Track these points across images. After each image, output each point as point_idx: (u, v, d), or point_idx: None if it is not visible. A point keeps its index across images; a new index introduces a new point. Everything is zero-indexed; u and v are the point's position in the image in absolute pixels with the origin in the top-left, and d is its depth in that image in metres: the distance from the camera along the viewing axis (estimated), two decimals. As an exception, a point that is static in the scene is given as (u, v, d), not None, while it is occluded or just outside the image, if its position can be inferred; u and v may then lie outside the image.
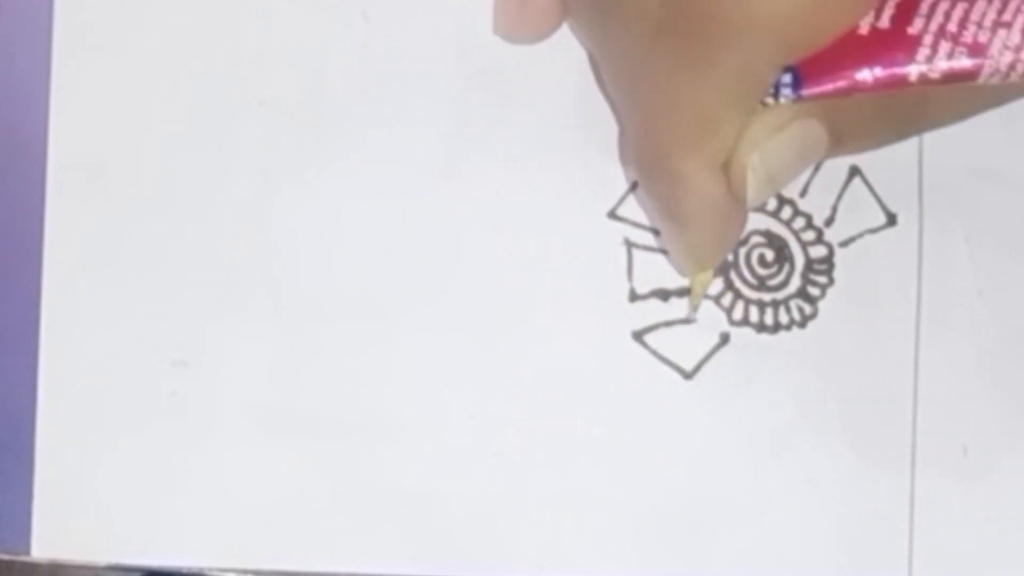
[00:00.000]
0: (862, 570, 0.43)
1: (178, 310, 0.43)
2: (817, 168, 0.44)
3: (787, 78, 0.37)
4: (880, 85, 0.37)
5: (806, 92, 0.37)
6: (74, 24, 0.43)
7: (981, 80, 0.36)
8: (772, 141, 0.38)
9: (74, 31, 0.43)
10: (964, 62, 0.36)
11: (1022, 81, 0.37)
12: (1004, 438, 0.43)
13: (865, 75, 0.37)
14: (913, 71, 0.36)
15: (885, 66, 0.37)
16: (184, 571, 0.43)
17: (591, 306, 0.43)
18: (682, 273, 0.43)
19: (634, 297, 0.44)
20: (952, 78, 0.36)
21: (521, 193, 0.43)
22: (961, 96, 0.38)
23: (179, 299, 0.43)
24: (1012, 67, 0.36)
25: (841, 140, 0.39)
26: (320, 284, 0.43)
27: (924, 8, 0.36)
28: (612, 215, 0.44)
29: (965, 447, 0.43)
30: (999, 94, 0.38)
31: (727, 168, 0.38)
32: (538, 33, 0.42)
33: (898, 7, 0.37)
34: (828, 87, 0.37)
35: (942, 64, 0.36)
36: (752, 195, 0.38)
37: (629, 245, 0.43)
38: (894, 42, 0.37)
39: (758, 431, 0.43)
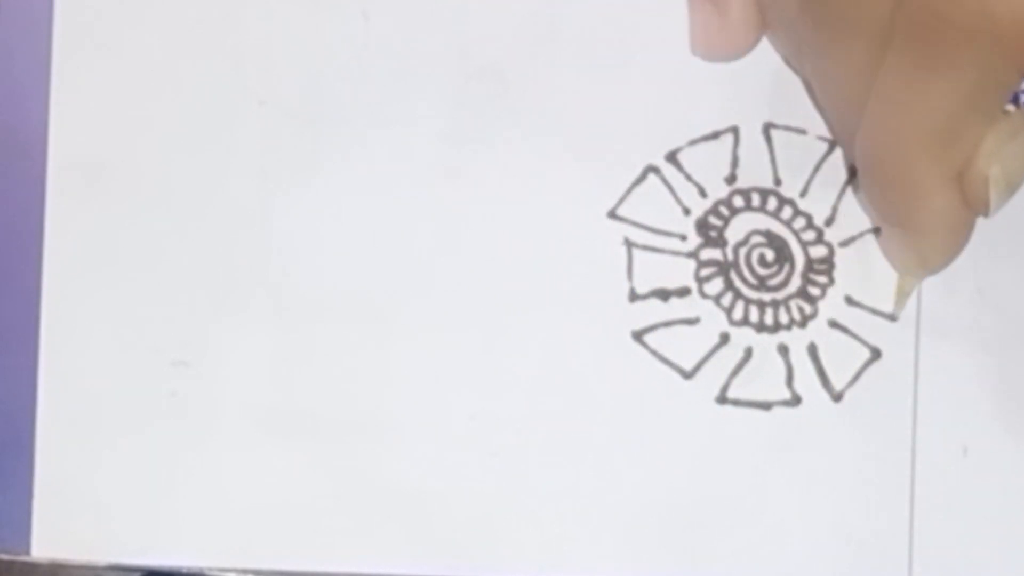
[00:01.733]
0: (862, 570, 0.43)
1: (178, 310, 0.43)
2: (817, 168, 0.44)
3: None
4: None
5: None
6: (74, 24, 0.43)
7: None
8: (1010, 148, 0.37)
9: (74, 31, 0.43)
10: None
11: None
12: (1004, 438, 0.43)
13: None
14: None
15: None
16: (184, 571, 0.43)
17: (591, 306, 0.43)
18: (902, 271, 0.43)
19: (634, 297, 0.43)
20: None
21: (521, 193, 0.43)
22: None
23: (179, 299, 0.43)
24: None
25: None
26: (320, 284, 0.43)
27: None
28: (612, 215, 0.43)
29: (965, 447, 0.43)
30: None
31: (963, 177, 0.37)
32: (739, 50, 0.42)
33: None
34: None
35: None
36: (993, 205, 0.38)
37: (629, 245, 0.43)
38: None
39: (758, 431, 0.43)
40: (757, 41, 0.42)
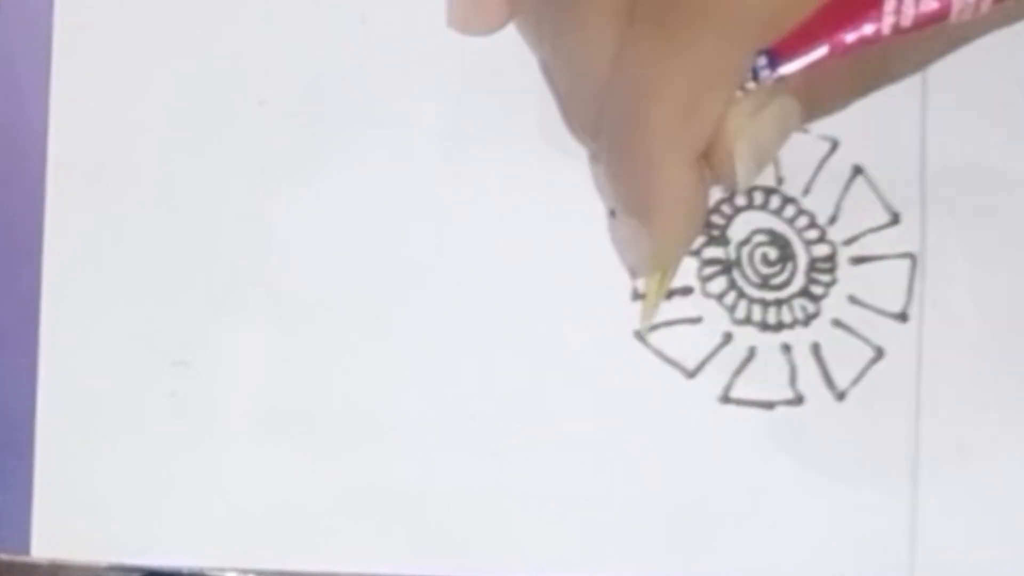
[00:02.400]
0: (863, 569, 0.43)
1: (178, 310, 0.43)
2: (820, 167, 0.44)
3: (763, 60, 0.37)
4: (855, 46, 0.37)
5: (784, 70, 0.37)
6: (74, 24, 0.43)
7: (953, 18, 0.36)
8: (755, 124, 0.37)
9: (74, 31, 0.43)
10: (933, 4, 0.36)
11: (991, 13, 0.36)
12: (1004, 438, 0.43)
13: (839, 40, 0.36)
14: (885, 24, 0.36)
15: (857, 26, 0.36)
16: (184, 571, 0.43)
17: (593, 305, 0.43)
18: (636, 273, 0.43)
19: (636, 296, 0.43)
20: (924, 22, 0.36)
21: (521, 192, 0.43)
22: (920, 43, 0.38)
23: (179, 299, 0.43)
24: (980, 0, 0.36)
25: (814, 108, 0.39)
26: (320, 284, 0.43)
27: None
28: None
29: (965, 447, 0.43)
30: (957, 37, 0.38)
31: (709, 157, 0.38)
32: (491, 27, 0.42)
33: None
34: (805, 60, 0.37)
35: (911, 11, 0.36)
36: (741, 179, 0.38)
37: (630, 244, 0.43)
38: (860, 2, 0.36)
39: (761, 430, 0.43)
40: (508, 19, 0.42)
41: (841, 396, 0.43)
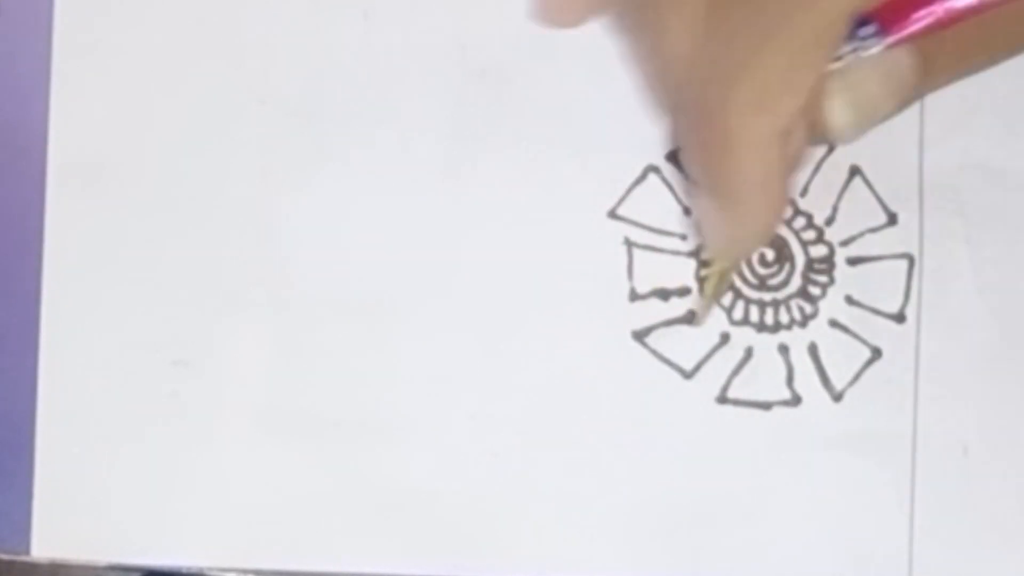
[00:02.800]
0: (862, 570, 0.43)
1: (178, 310, 0.43)
2: (817, 168, 0.44)
3: (868, 29, 0.34)
4: (973, 10, 0.33)
5: (893, 39, 0.34)
6: (74, 24, 0.43)
7: None
8: (855, 70, 0.35)
9: (74, 31, 0.43)
10: None
11: None
12: (1004, 438, 0.43)
13: (954, 3, 0.34)
14: None
15: None
16: (184, 571, 0.43)
17: (591, 306, 0.43)
18: (714, 250, 0.41)
19: (634, 297, 0.44)
20: None
21: (521, 192, 0.43)
22: None
23: (179, 299, 0.43)
24: None
25: (934, 68, 0.36)
26: (320, 284, 0.43)
27: None
28: (612, 215, 0.44)
29: (965, 447, 0.43)
30: None
31: (808, 112, 0.36)
32: (576, 21, 0.41)
33: None
34: (918, 26, 0.34)
35: None
36: (839, 121, 0.36)
37: (629, 245, 0.43)
38: None
39: (758, 431, 0.43)
40: (594, 14, 0.41)
41: (838, 397, 0.43)
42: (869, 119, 0.36)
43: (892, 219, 0.44)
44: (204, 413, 0.43)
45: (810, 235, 0.44)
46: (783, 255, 0.44)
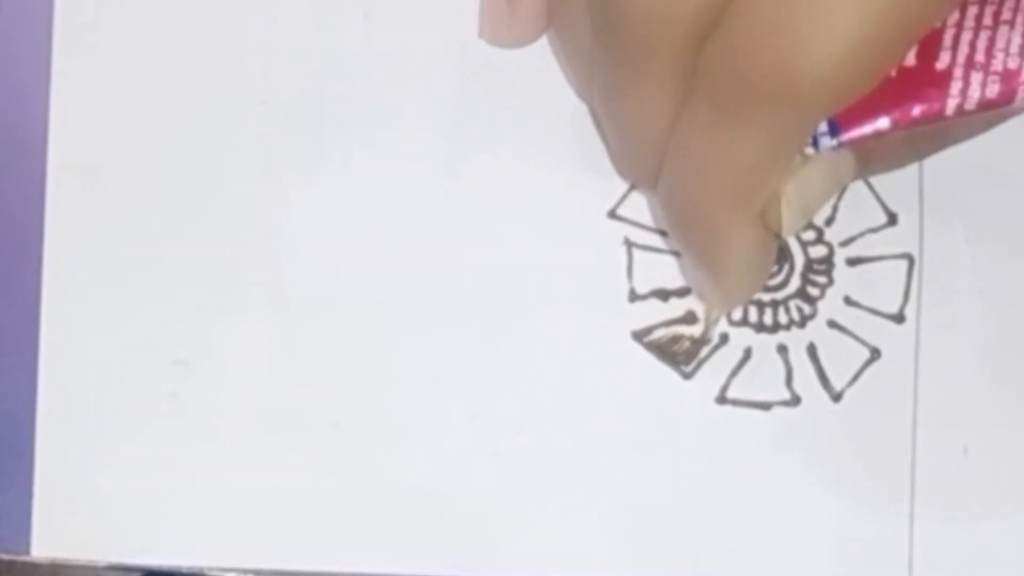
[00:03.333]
0: (862, 570, 0.43)
1: (178, 310, 0.43)
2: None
3: (823, 127, 0.36)
4: (916, 122, 0.36)
5: (845, 138, 0.36)
6: (74, 24, 0.43)
7: (1017, 104, 0.36)
8: (803, 173, 0.37)
9: (74, 31, 0.43)
10: (997, 89, 0.36)
11: None
12: (1004, 438, 0.43)
13: (901, 115, 0.36)
14: (949, 105, 0.36)
15: (920, 104, 0.36)
16: (184, 571, 0.43)
17: (591, 306, 0.43)
18: (713, 308, 0.43)
19: (634, 297, 0.44)
20: (987, 106, 0.36)
21: (521, 192, 0.43)
22: (986, 116, 0.37)
23: (179, 299, 0.43)
24: None
25: (868, 164, 0.38)
26: (320, 284, 0.43)
27: (948, 41, 0.36)
28: (612, 215, 0.44)
29: (965, 447, 0.43)
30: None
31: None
32: (524, 42, 0.42)
33: (921, 44, 0.36)
34: (867, 130, 0.36)
35: (976, 95, 0.36)
36: (788, 227, 0.38)
37: (629, 245, 0.43)
38: (925, 80, 0.36)
39: (758, 431, 0.43)
40: (541, 34, 0.42)
41: (837, 397, 0.43)
42: (809, 217, 0.38)
43: (892, 219, 0.44)
44: (204, 413, 0.43)
45: (810, 235, 0.44)
46: (782, 255, 0.44)
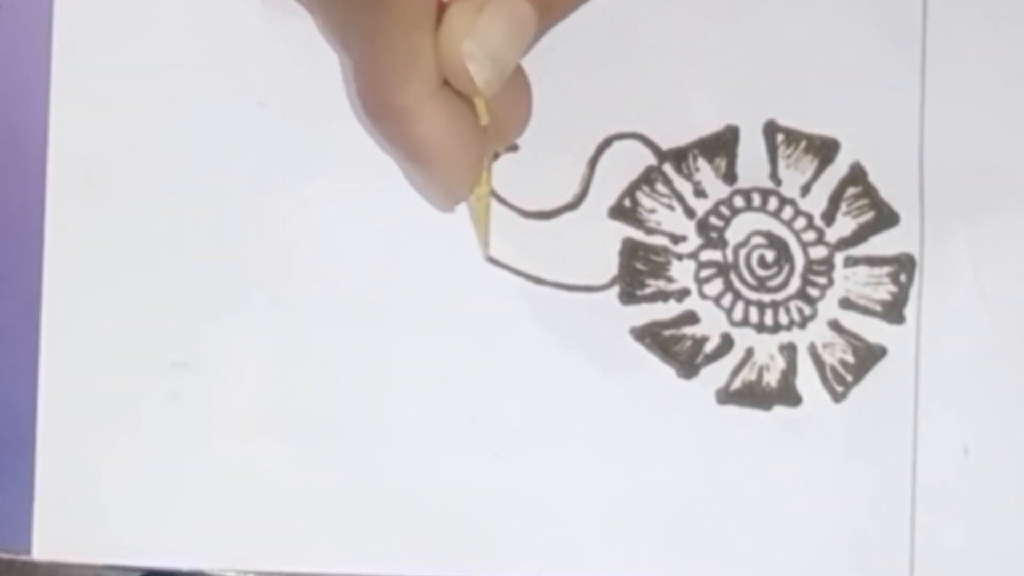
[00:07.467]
0: (863, 570, 0.43)
1: (178, 310, 0.43)
2: (820, 169, 0.44)
3: None
4: None
5: None
6: (74, 24, 0.43)
7: None
8: (479, 27, 0.37)
9: (74, 31, 0.43)
10: None
11: None
12: (1004, 438, 0.43)
13: None
14: None
15: None
16: (184, 571, 0.43)
17: (591, 306, 0.43)
18: (444, 209, 0.42)
19: (634, 297, 0.44)
20: None
21: (521, 192, 0.43)
22: None
23: (179, 299, 0.43)
24: None
25: (551, 8, 0.38)
26: (320, 285, 0.43)
27: None
28: (612, 215, 0.44)
29: (965, 447, 0.43)
30: None
31: (444, 68, 0.37)
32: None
33: None
34: None
35: None
36: (481, 82, 0.37)
37: (629, 245, 0.43)
38: None
39: (759, 431, 0.43)
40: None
41: (838, 397, 0.44)
42: (505, 70, 0.38)
43: (892, 219, 0.44)
44: (204, 414, 0.43)
45: (811, 236, 0.44)
46: (783, 257, 0.44)
